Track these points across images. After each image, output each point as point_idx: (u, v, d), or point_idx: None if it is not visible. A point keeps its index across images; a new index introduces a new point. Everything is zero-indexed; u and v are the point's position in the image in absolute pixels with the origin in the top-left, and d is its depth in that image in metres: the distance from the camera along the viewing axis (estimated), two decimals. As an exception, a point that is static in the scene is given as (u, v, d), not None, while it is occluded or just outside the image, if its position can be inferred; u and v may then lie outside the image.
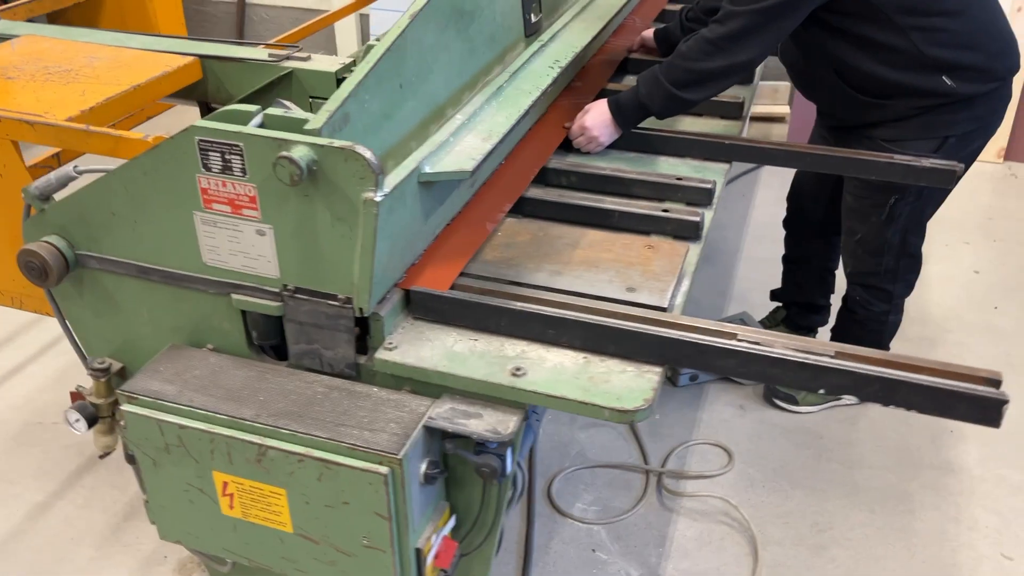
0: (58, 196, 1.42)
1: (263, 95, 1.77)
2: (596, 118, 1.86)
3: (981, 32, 1.84)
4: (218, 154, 1.24)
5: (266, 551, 1.39)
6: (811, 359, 1.23)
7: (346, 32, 5.30)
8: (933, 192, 2.02)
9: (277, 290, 1.34)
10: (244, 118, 1.26)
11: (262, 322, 1.39)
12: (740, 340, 1.27)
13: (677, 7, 2.59)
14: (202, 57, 1.77)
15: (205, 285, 1.38)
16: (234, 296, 1.36)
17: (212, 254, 1.35)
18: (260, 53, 1.79)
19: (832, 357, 1.24)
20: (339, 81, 1.73)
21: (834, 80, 1.95)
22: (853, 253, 2.16)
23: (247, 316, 1.40)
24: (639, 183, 1.77)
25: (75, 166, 1.38)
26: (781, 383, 1.32)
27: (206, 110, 1.90)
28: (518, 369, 1.29)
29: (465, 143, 1.45)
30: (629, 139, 1.94)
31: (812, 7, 1.77)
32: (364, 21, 5.22)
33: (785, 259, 2.54)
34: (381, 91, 1.34)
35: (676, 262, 1.49)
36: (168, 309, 1.44)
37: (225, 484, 1.34)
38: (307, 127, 1.21)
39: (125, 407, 1.34)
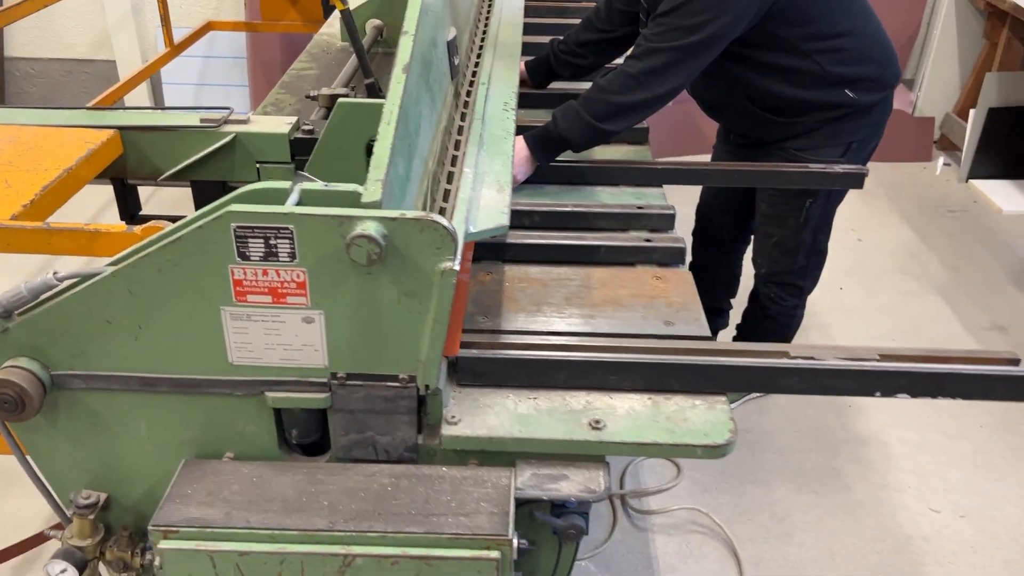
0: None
1: (205, 164, 1.58)
2: (515, 155, 1.86)
3: (872, 46, 2.05)
4: (260, 240, 1.10)
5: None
6: (867, 365, 1.31)
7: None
8: (839, 193, 2.22)
9: (324, 380, 1.21)
10: (278, 196, 1.13)
11: (304, 418, 1.24)
12: (794, 358, 1.33)
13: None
14: (121, 128, 1.55)
15: (230, 387, 1.21)
16: (269, 394, 1.21)
17: (242, 352, 1.18)
18: (188, 119, 1.60)
19: (879, 360, 1.33)
20: (293, 143, 1.59)
21: (746, 104, 2.09)
22: (769, 255, 2.32)
23: (281, 415, 1.25)
24: (603, 216, 1.79)
25: (55, 273, 1.16)
26: (842, 393, 1.39)
27: (122, 188, 1.67)
28: (597, 422, 1.25)
29: (486, 197, 1.39)
30: (546, 173, 1.96)
31: (727, 43, 1.88)
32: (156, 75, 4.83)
33: (692, 267, 2.67)
34: (402, 151, 1.26)
35: (691, 290, 1.52)
36: (175, 422, 1.25)
37: (288, 606, 1.18)
38: (365, 200, 1.11)
39: (163, 545, 1.14)
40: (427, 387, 1.21)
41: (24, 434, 1.27)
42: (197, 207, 1.67)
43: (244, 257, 1.11)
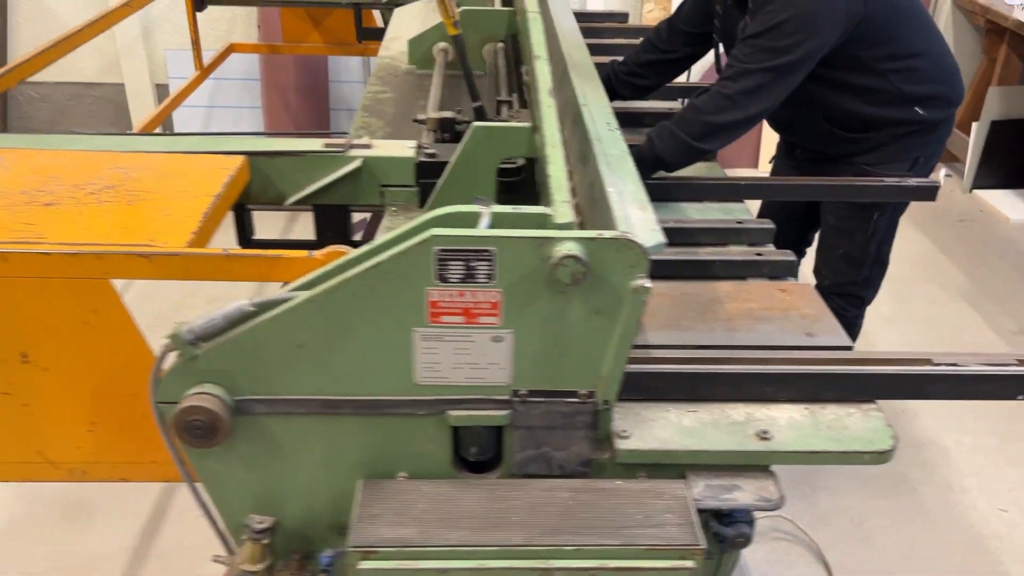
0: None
1: (330, 189, 1.59)
2: None
3: (941, 67, 2.14)
4: (460, 263, 1.12)
5: None
6: (1010, 370, 1.36)
7: (142, 105, 4.83)
8: (903, 206, 2.30)
9: (506, 397, 1.23)
10: (469, 220, 1.15)
11: (484, 436, 1.26)
12: (937, 364, 1.38)
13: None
14: (248, 154, 1.56)
15: (413, 407, 1.23)
16: (451, 413, 1.23)
17: (428, 372, 1.20)
18: (312, 144, 1.62)
19: (1018, 365, 1.39)
20: (419, 166, 1.61)
21: (821, 122, 2.16)
22: (835, 267, 2.39)
23: (459, 432, 1.27)
24: (705, 231, 1.84)
25: (250, 301, 1.17)
26: (984, 397, 1.44)
27: (240, 213, 1.68)
28: (764, 432, 1.29)
29: (633, 216, 1.42)
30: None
31: (814, 64, 1.96)
32: (163, 92, 4.80)
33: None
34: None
35: (818, 301, 1.57)
36: (352, 443, 1.26)
37: (481, 623, 1.20)
38: (559, 222, 1.14)
39: (363, 565, 1.15)
40: (606, 402, 1.24)
41: (197, 460, 1.27)
42: (319, 232, 1.69)
43: (443, 280, 1.13)
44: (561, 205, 1.16)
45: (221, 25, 4.58)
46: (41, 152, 1.52)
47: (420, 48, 2.37)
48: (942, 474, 2.43)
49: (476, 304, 1.15)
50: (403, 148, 1.64)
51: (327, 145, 1.61)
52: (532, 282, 1.14)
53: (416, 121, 1.80)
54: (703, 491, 1.26)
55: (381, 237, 1.17)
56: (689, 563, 1.17)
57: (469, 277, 1.13)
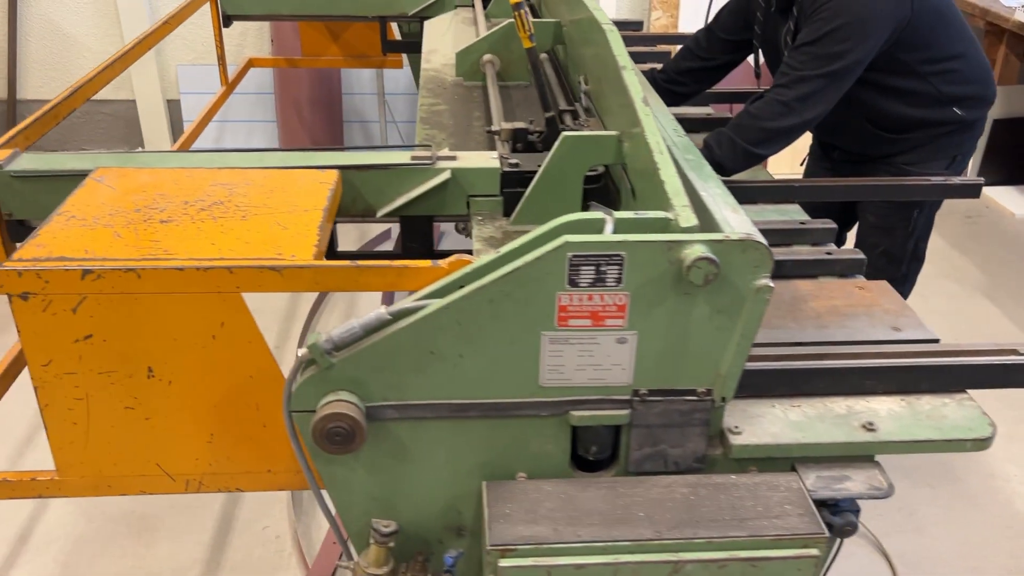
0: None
1: (419, 200, 1.63)
2: None
3: (977, 67, 2.21)
4: (591, 267, 1.17)
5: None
6: (1094, 358, 1.43)
7: (153, 121, 4.84)
8: (938, 203, 2.37)
9: (626, 397, 1.27)
10: (595, 226, 1.20)
11: (604, 435, 1.31)
12: (1022, 354, 1.44)
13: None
14: (341, 168, 1.60)
15: (537, 408, 1.27)
16: (573, 413, 1.27)
17: (553, 374, 1.25)
18: (399, 157, 1.65)
19: (1100, 353, 1.45)
20: (504, 176, 1.65)
21: (862, 123, 2.23)
22: (875, 264, 2.45)
23: (579, 432, 1.31)
24: (770, 232, 1.89)
25: (387, 309, 1.20)
26: None
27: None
28: (870, 424, 1.34)
29: (731, 218, 1.47)
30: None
31: (863, 68, 2.02)
32: (174, 107, 4.80)
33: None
34: (670, 179, 1.34)
35: (897, 297, 1.63)
36: (476, 446, 1.30)
37: (613, 616, 1.24)
38: (683, 225, 1.19)
39: (503, 563, 1.18)
40: (723, 399, 1.29)
41: (324, 468, 1.30)
42: (406, 242, 1.72)
43: (574, 284, 1.18)
44: (682, 209, 1.21)
45: (233, 39, 4.59)
46: (139, 171, 1.54)
47: (467, 60, 2.41)
48: (982, 462, 2.51)
49: (603, 307, 1.20)
50: (487, 159, 1.68)
51: (414, 158, 1.65)
52: (659, 284, 1.18)
53: (489, 132, 1.84)
54: (815, 482, 1.31)
55: (508, 245, 1.21)
56: (813, 551, 1.21)
57: (599, 281, 1.18)
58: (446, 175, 1.62)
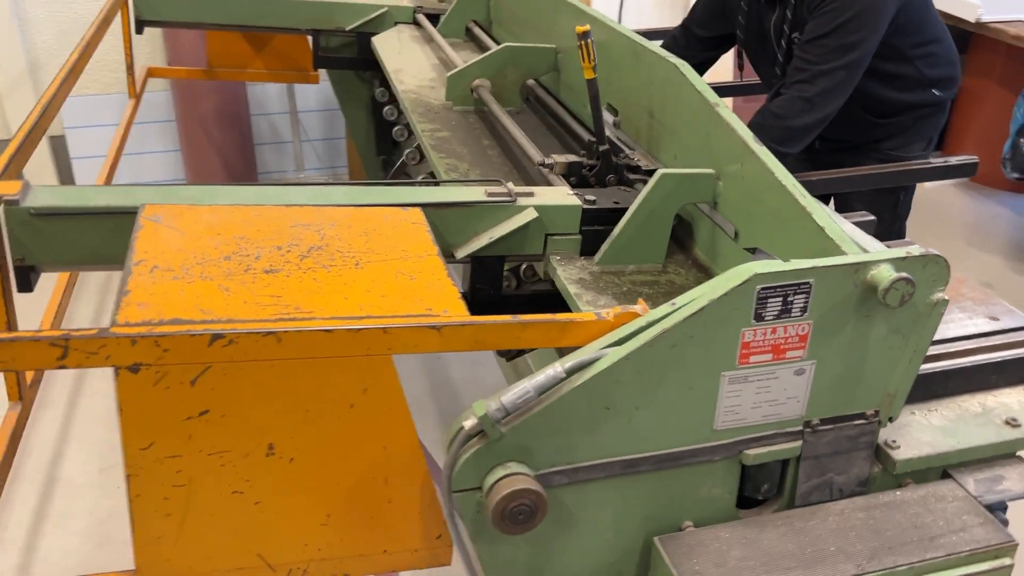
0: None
1: (500, 241, 1.49)
2: None
3: (950, 49, 2.30)
4: (779, 299, 1.09)
5: None
6: None
7: (34, 161, 4.35)
8: (915, 185, 2.45)
9: (798, 429, 1.21)
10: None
11: (775, 470, 1.23)
12: None
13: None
14: (421, 206, 1.44)
15: (711, 453, 1.18)
16: (747, 452, 1.19)
17: (729, 415, 1.16)
18: (473, 193, 1.51)
19: None
20: (585, 213, 1.54)
21: (857, 111, 2.26)
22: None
23: (748, 472, 1.23)
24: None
25: (562, 366, 1.07)
26: None
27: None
28: (1013, 420, 1.34)
29: (846, 227, 1.42)
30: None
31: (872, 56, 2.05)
32: (58, 144, 4.34)
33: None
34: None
35: (975, 284, 1.64)
36: (643, 500, 1.20)
37: (815, 661, 1.17)
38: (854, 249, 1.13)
39: (716, 627, 1.09)
40: (890, 419, 1.24)
41: (485, 547, 1.17)
42: (475, 284, 1.58)
43: (759, 318, 1.10)
44: (840, 237, 1.16)
45: (120, 57, 4.19)
46: (197, 209, 1.33)
47: (459, 85, 2.28)
48: None
49: (786, 339, 1.13)
50: (564, 195, 1.57)
51: (489, 194, 1.51)
52: (842, 310, 1.13)
53: (542, 166, 1.72)
54: (976, 487, 1.29)
55: (688, 295, 1.11)
56: (1007, 560, 1.19)
57: (784, 313, 1.11)
58: (532, 214, 1.49)
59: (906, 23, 2.13)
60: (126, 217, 1.33)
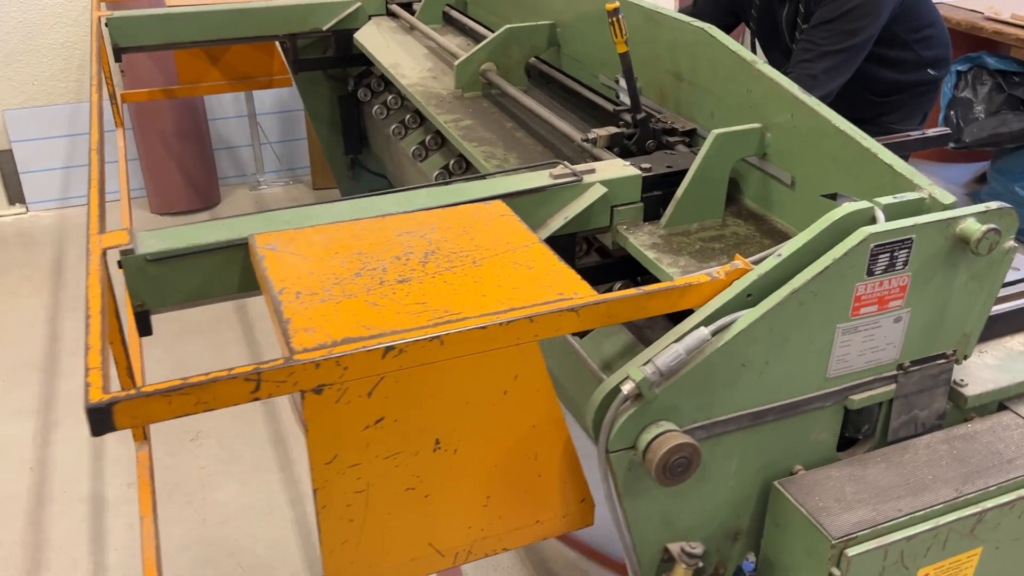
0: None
1: (579, 218, 1.57)
2: None
3: (943, 31, 2.50)
4: (886, 254, 1.22)
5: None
6: None
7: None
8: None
9: (892, 373, 1.34)
10: (867, 215, 1.24)
11: (875, 412, 1.36)
12: None
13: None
14: (501, 197, 1.51)
15: (823, 400, 1.30)
16: (852, 397, 1.32)
17: (839, 364, 1.28)
18: (539, 178, 1.58)
19: None
20: (645, 181, 1.64)
21: (857, 89, 2.43)
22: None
23: (850, 415, 1.35)
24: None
25: (708, 328, 1.17)
26: None
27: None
28: (1062, 354, 1.51)
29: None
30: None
31: (873, 41, 2.23)
32: (5, 159, 4.16)
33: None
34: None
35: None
36: (764, 449, 1.31)
37: (925, 578, 1.31)
38: (944, 202, 1.27)
39: (851, 551, 1.21)
40: (964, 357, 1.39)
41: (630, 503, 1.25)
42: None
43: (870, 273, 1.22)
44: (931, 187, 1.29)
45: (70, 75, 4.07)
46: (302, 232, 1.37)
47: (467, 71, 2.34)
48: None
49: (889, 291, 1.26)
50: (622, 167, 1.66)
51: (554, 176, 1.60)
52: (934, 261, 1.26)
53: (586, 141, 1.82)
54: (1038, 417, 1.46)
55: (788, 246, 1.22)
56: (1074, 474, 1.36)
57: (890, 267, 1.23)
58: (600, 189, 1.59)
59: (906, 10, 2.32)
60: (234, 250, 1.38)
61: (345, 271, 1.26)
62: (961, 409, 1.44)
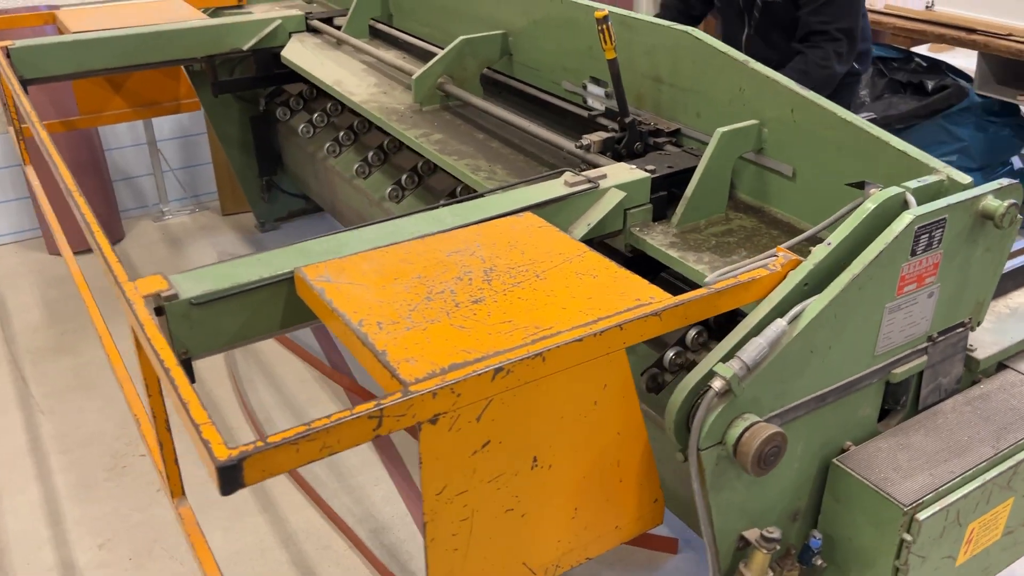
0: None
1: (600, 223, 1.59)
2: None
3: (867, 25, 2.67)
4: (927, 235, 1.30)
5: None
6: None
7: None
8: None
9: (924, 345, 1.43)
10: (900, 199, 1.32)
11: (912, 382, 1.45)
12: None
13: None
14: (530, 208, 1.51)
15: (871, 377, 1.38)
16: (894, 372, 1.40)
17: (884, 341, 1.36)
18: (556, 188, 1.58)
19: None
20: (662, 180, 1.67)
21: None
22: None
23: (889, 389, 1.43)
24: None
25: (784, 318, 1.21)
26: None
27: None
28: (1040, 313, 1.65)
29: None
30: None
31: None
32: None
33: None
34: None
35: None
36: (822, 429, 1.37)
37: (972, 531, 1.40)
38: (962, 182, 1.37)
39: (920, 515, 1.28)
40: (978, 323, 1.50)
41: (713, 497, 1.28)
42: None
43: (914, 253, 1.30)
44: (947, 170, 1.39)
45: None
46: (348, 260, 1.33)
47: (425, 85, 2.32)
48: None
49: (926, 269, 1.34)
50: (629, 171, 1.69)
51: (569, 184, 1.61)
52: (960, 237, 1.36)
53: (580, 147, 1.84)
54: (1033, 372, 1.59)
55: (837, 233, 1.29)
56: (1081, 421, 1.49)
57: (928, 246, 1.32)
58: (619, 194, 1.61)
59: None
60: (277, 286, 1.33)
61: (414, 296, 1.23)
62: (972, 372, 1.56)
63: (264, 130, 3.63)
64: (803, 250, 1.35)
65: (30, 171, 2.85)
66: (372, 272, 1.30)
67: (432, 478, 1.08)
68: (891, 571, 1.33)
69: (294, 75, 3.15)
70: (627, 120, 1.85)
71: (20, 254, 3.82)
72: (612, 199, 1.61)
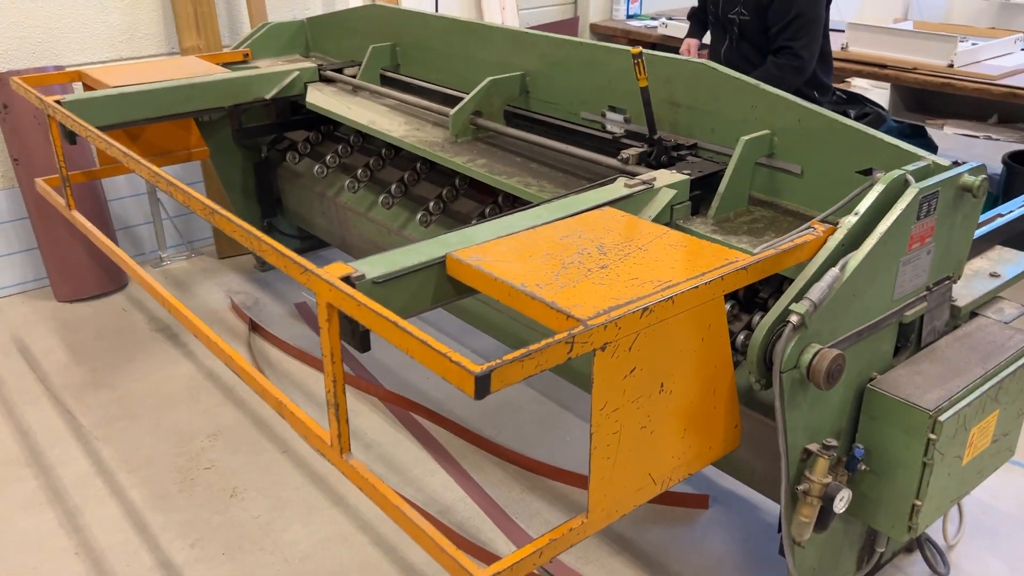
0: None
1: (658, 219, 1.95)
2: None
3: (828, 61, 3.15)
4: (927, 204, 1.71)
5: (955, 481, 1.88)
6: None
7: None
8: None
9: (924, 293, 1.83)
10: (901, 181, 1.73)
11: (916, 323, 1.84)
12: None
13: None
14: (604, 206, 1.86)
15: (892, 317, 1.77)
16: (906, 313, 1.79)
17: (900, 288, 1.76)
18: (617, 190, 1.94)
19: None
20: (694, 183, 2.05)
21: None
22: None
23: (902, 329, 1.82)
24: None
25: (838, 266, 1.58)
26: None
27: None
28: (994, 273, 2.09)
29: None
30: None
31: None
32: None
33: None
34: (869, 147, 1.94)
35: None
36: (860, 360, 1.74)
37: (973, 435, 1.79)
38: (945, 164, 1.79)
39: (942, 418, 1.66)
40: (959, 277, 1.92)
41: (788, 415, 1.64)
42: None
43: (919, 218, 1.71)
44: (931, 157, 1.81)
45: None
46: (488, 244, 1.64)
47: (460, 120, 2.66)
48: None
49: (926, 230, 1.75)
50: (671, 175, 2.07)
51: (627, 185, 1.97)
52: (946, 206, 1.77)
53: (622, 160, 2.21)
54: (996, 316, 2.02)
55: (864, 204, 1.68)
56: (1045, 347, 1.92)
57: (928, 212, 1.73)
58: (671, 192, 1.98)
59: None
60: (432, 268, 1.63)
61: (553, 266, 1.56)
62: (955, 318, 1.97)
63: (265, 175, 3.90)
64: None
65: (76, 215, 3.04)
66: (509, 252, 1.62)
67: (599, 395, 1.40)
68: (919, 466, 1.71)
69: (310, 120, 3.47)
70: (655, 137, 2.23)
71: (29, 303, 3.93)
72: (665, 197, 1.98)
